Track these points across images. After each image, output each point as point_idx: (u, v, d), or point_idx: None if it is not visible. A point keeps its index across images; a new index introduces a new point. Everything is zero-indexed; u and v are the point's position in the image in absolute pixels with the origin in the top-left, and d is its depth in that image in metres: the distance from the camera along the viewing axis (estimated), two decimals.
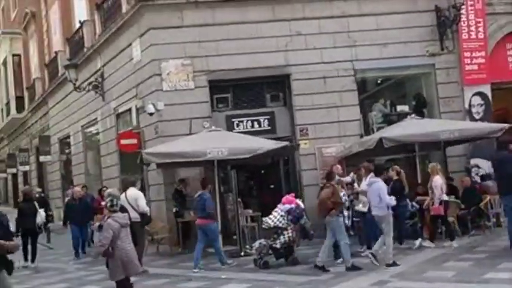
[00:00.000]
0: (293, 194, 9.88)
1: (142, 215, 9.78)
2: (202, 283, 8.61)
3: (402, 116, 12.85)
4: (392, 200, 8.64)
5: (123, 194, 9.92)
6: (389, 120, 13.30)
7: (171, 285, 8.65)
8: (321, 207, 8.47)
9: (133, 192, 10.04)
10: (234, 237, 10.93)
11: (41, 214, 9.22)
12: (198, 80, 13.10)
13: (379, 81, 14.64)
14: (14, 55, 28.12)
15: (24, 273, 10.65)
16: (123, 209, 7.77)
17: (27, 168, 27.21)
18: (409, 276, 7.79)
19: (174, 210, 12.44)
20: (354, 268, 8.31)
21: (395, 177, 10.19)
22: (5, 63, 29.18)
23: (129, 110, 15.25)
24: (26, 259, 11.58)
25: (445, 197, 9.86)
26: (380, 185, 8.74)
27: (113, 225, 6.81)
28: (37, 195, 16.32)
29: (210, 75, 13.13)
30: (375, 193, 8.70)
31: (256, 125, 13.17)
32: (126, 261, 6.85)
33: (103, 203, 8.16)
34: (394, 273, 7.97)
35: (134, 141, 14.06)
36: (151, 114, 12.99)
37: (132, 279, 9.16)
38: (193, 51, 13.10)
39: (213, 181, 11.45)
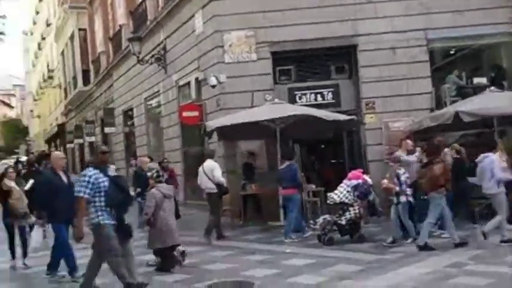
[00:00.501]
0: (360, 170, 9.49)
1: (219, 185, 10.05)
2: (266, 256, 8.47)
3: (479, 89, 11.94)
4: (507, 175, 8.15)
5: (201, 166, 10.48)
6: (464, 93, 12.38)
7: (235, 258, 8.56)
8: (431, 183, 7.97)
9: (210, 163, 10.36)
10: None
11: None
12: (260, 52, 12.84)
13: (452, 52, 13.77)
14: (80, 29, 28.71)
15: None
16: (168, 183, 8.43)
17: (93, 139, 27.98)
18: (488, 260, 7.28)
19: (242, 182, 12.34)
20: (426, 248, 7.88)
21: (455, 156, 9.58)
22: (72, 37, 29.89)
23: (189, 82, 15.26)
24: None
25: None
26: (492, 159, 8.28)
27: (156, 194, 7.26)
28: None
29: (273, 47, 12.84)
30: (487, 168, 8.22)
31: (319, 98, 12.80)
32: (165, 232, 7.30)
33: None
34: (471, 255, 7.49)
35: (196, 113, 14.06)
36: (213, 86, 12.87)
37: (196, 248, 9.27)
38: (256, 22, 12.82)
39: (275, 154, 11.28)
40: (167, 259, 7.62)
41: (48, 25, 43.47)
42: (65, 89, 34.85)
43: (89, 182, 6.07)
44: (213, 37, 13.09)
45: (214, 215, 10.17)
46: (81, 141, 30.60)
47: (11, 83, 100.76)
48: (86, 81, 28.03)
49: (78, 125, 31.80)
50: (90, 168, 6.24)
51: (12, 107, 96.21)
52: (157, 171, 8.17)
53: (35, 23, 54.32)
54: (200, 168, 10.50)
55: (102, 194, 6.08)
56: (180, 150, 16.10)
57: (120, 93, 22.25)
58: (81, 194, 6.04)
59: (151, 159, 15.47)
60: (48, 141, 49.56)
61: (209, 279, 6.96)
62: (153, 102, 18.84)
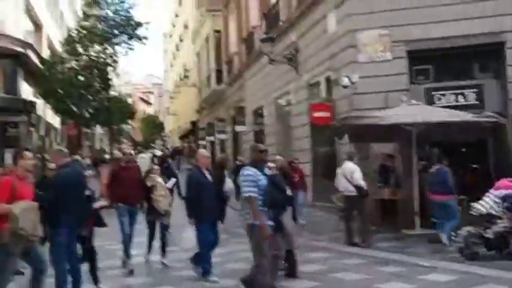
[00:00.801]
0: (511, 179, 8.64)
1: (359, 188, 9.91)
2: (401, 268, 7.96)
3: None
4: None
5: (339, 168, 10.47)
6: None
7: (366, 267, 8.17)
8: None
9: (349, 165, 10.24)
10: (433, 219, 10.08)
11: (228, 182, 9.60)
12: (396, 51, 12.38)
13: None
14: (215, 31, 29.86)
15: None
16: (296, 184, 8.84)
17: (223, 136, 29.00)
18: None
19: (378, 185, 11.96)
20: None
21: None
22: (207, 39, 31.20)
23: (318, 82, 15.16)
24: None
25: None
26: None
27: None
28: (238, 163, 17.21)
29: (409, 45, 12.31)
30: None
31: (461, 99, 12.04)
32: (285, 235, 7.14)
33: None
34: None
35: (327, 114, 13.90)
36: (345, 87, 12.65)
37: (324, 255, 9.13)
38: (392, 20, 12.38)
39: (410, 158, 10.80)
40: (290, 263, 7.55)
41: (185, 27, 45.87)
42: (199, 88, 36.51)
43: (252, 180, 6.01)
44: (346, 36, 12.88)
45: (361, 216, 9.99)
46: (212, 138, 31.85)
47: (151, 81, 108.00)
48: (219, 80, 29.08)
49: (210, 122, 33.12)
50: (248, 167, 6.18)
51: (151, 104, 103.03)
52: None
53: (174, 26, 57.60)
54: (338, 170, 10.45)
55: (261, 193, 6.03)
56: (309, 151, 16.07)
57: (251, 93, 22.78)
58: (252, 194, 5.97)
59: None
60: (182, 138, 52.35)
61: None
62: (283, 101, 19.02)
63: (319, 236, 11.20)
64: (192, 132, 43.74)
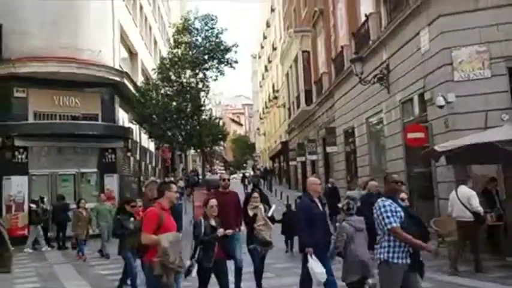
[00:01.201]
0: None
1: (476, 214, 9.58)
2: None
3: None
4: None
5: (453, 192, 10.15)
6: None
7: None
8: None
9: (465, 190, 9.93)
10: None
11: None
12: (495, 68, 11.61)
13: None
14: (303, 52, 29.84)
15: None
16: (359, 213, 7.76)
17: (314, 157, 28.70)
18: None
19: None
20: None
21: None
22: (296, 59, 31.24)
23: (411, 99, 14.56)
24: None
25: None
26: None
27: (347, 228, 6.96)
28: (329, 186, 16.89)
29: (510, 62, 11.50)
30: None
31: None
32: (357, 265, 6.88)
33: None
34: None
35: (422, 135, 13.27)
36: (441, 106, 12.01)
37: (428, 285, 8.58)
38: (490, 36, 11.65)
39: None
40: None
41: (274, 49, 46.32)
42: (289, 109, 36.54)
43: (392, 210, 5.68)
44: (441, 54, 12.25)
45: (474, 244, 9.58)
46: (303, 159, 31.64)
47: (241, 102, 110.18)
48: (309, 100, 28.93)
49: (300, 143, 32.98)
50: (383, 198, 5.86)
51: (241, 125, 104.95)
52: (347, 203, 7.51)
53: (262, 47, 58.40)
54: (452, 195, 10.13)
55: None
56: (404, 172, 15.40)
57: (342, 113, 22.37)
58: (394, 224, 5.59)
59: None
60: (273, 158, 52.56)
61: None
62: (376, 122, 18.48)
63: None
64: (282, 153, 43.81)
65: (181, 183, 31.06)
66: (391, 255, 5.59)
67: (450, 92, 11.88)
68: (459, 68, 11.87)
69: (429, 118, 13.21)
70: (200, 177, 33.85)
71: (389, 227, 5.60)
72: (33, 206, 16.54)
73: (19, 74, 18.30)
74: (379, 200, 5.86)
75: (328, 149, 24.12)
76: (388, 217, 5.62)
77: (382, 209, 5.72)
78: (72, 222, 14.79)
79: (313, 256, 7.06)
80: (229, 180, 8.97)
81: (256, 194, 8.75)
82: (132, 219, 9.22)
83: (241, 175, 48.35)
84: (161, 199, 5.99)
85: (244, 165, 74.98)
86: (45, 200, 17.23)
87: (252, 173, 54.96)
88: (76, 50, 19.14)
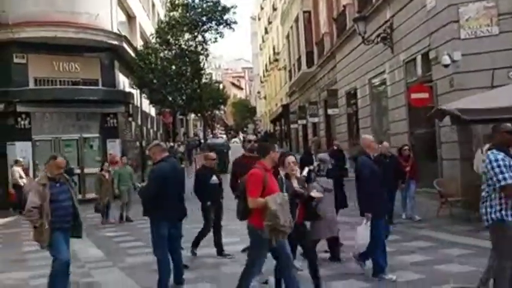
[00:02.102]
0: None
1: None
2: None
3: None
4: None
5: (478, 151, 9.92)
6: None
7: (473, 258, 7.55)
8: None
9: None
10: None
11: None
12: (503, 24, 11.45)
13: None
14: (304, 12, 29.38)
15: None
16: (328, 174, 7.79)
17: (316, 120, 28.64)
18: None
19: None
20: None
21: None
22: (296, 20, 30.83)
23: (415, 59, 14.41)
24: None
25: None
26: None
27: (317, 188, 7.07)
28: (334, 148, 16.93)
29: None
30: None
31: None
32: (324, 223, 7.17)
33: None
34: None
35: (426, 95, 13.18)
36: (446, 65, 11.88)
37: (426, 244, 8.66)
38: None
39: None
40: (333, 250, 7.85)
41: (274, 9, 45.66)
42: (290, 71, 36.27)
43: (505, 165, 5.01)
44: (447, 11, 12.04)
45: None
46: (304, 121, 31.57)
47: (240, 66, 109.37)
48: (310, 62, 28.65)
49: (301, 105, 32.85)
50: (494, 150, 5.17)
51: (242, 89, 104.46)
52: (318, 165, 7.79)
53: (262, 8, 57.57)
54: (478, 153, 9.93)
55: None
56: (407, 133, 15.37)
57: (344, 74, 22.19)
58: (510, 181, 4.93)
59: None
60: (274, 121, 52.50)
61: (445, 282, 6.43)
62: (378, 83, 18.34)
63: (421, 224, 10.72)
64: (283, 116, 43.72)
65: (182, 148, 31.10)
66: (504, 212, 5.06)
67: (456, 50, 11.75)
68: (466, 25, 11.69)
69: (434, 78, 13.09)
70: (202, 141, 33.88)
71: (503, 183, 4.97)
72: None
73: (17, 39, 18.08)
74: (489, 152, 5.21)
75: (330, 111, 24.02)
76: (501, 172, 4.98)
77: (495, 163, 5.05)
78: (94, 185, 14.65)
79: (368, 223, 6.64)
80: (255, 142, 7.96)
81: (292, 158, 6.84)
82: (214, 177, 8.77)
83: (241, 139, 48.50)
84: (264, 159, 5.58)
85: (245, 129, 74.93)
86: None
87: (254, 137, 55.03)
88: (73, 13, 18.84)
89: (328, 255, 7.97)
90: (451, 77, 12.02)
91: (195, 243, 8.82)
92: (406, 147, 11.89)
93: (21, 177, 16.70)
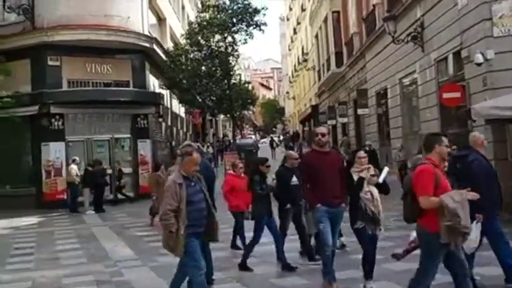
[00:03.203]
0: None
1: None
2: None
3: None
4: None
5: None
6: None
7: None
8: None
9: None
10: None
11: None
12: None
13: None
14: (333, 12, 29.20)
15: None
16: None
17: (345, 120, 28.44)
18: None
19: None
20: None
21: None
22: (325, 20, 30.65)
23: (446, 58, 14.18)
24: None
25: None
26: None
27: None
28: (367, 149, 16.85)
29: None
30: None
31: None
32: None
33: None
34: None
35: (458, 94, 12.95)
36: (479, 64, 11.64)
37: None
38: None
39: None
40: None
41: (303, 10, 45.52)
42: (318, 71, 36.10)
43: None
44: (479, 9, 11.78)
45: None
46: (333, 122, 31.39)
47: (269, 66, 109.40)
48: (339, 62, 28.46)
49: (331, 106, 32.67)
50: None
51: (270, 89, 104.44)
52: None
53: (290, 9, 57.47)
54: None
55: None
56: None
57: (373, 74, 21.99)
58: None
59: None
60: (303, 122, 52.31)
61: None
62: (408, 82, 18.12)
63: None
64: (312, 116, 43.53)
65: (210, 150, 31.25)
66: None
67: (489, 48, 11.46)
68: (499, 23, 11.41)
69: (466, 77, 12.84)
70: (231, 141, 34.02)
71: None
72: (90, 168, 16.91)
73: (52, 42, 18.47)
74: None
75: (360, 111, 23.82)
76: None
77: None
78: (150, 186, 14.70)
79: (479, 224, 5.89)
80: (326, 135, 6.76)
81: (362, 153, 6.54)
82: (295, 177, 8.02)
83: (269, 139, 48.87)
84: (431, 154, 4.96)
85: (274, 129, 74.90)
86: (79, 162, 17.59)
87: (281, 137, 55.06)
88: (106, 16, 19.15)
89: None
90: (483, 75, 11.77)
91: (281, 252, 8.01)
92: (455, 147, 11.27)
93: (77, 175, 16.98)
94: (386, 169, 6.66)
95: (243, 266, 7.86)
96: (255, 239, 7.88)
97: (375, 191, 6.32)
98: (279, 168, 8.46)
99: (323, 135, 6.63)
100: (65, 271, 8.66)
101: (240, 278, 7.45)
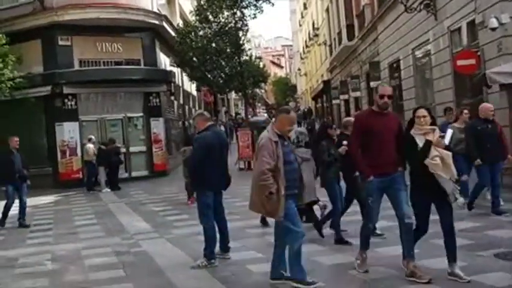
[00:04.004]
0: None
1: None
2: None
3: None
4: None
5: None
6: None
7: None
8: None
9: None
10: None
11: None
12: None
13: None
14: None
15: None
16: (307, 145, 7.88)
17: (358, 94, 28.22)
18: None
19: None
20: None
21: None
22: None
23: (459, 28, 13.93)
24: None
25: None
26: None
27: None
28: None
29: None
30: None
31: None
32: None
33: None
34: None
35: (472, 61, 12.73)
36: (493, 29, 11.44)
37: (477, 211, 8.44)
38: None
39: None
40: (308, 215, 8.05)
41: None
42: (330, 46, 35.77)
43: None
44: None
45: None
46: (346, 97, 31.21)
47: (280, 44, 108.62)
48: (351, 36, 28.15)
49: (343, 80, 32.43)
50: None
51: (282, 67, 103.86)
52: (297, 137, 7.87)
53: None
54: None
55: None
56: (453, 103, 14.96)
57: (386, 46, 21.72)
58: None
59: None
60: (315, 98, 52.06)
61: (496, 247, 6.29)
62: (421, 52, 17.87)
63: None
64: (324, 92, 43.29)
65: (222, 128, 31.28)
66: None
67: (504, 12, 11.28)
68: None
69: (480, 43, 12.65)
70: (243, 118, 34.05)
71: None
72: (103, 147, 17.02)
73: (62, 22, 18.48)
74: None
75: (373, 84, 23.54)
76: None
77: None
78: (184, 163, 14.52)
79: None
80: (392, 97, 6.00)
81: (423, 111, 5.58)
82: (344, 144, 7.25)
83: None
84: None
85: (286, 107, 74.60)
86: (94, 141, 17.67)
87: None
88: None
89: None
90: (498, 40, 11.58)
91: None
92: (466, 111, 10.27)
93: (94, 154, 17.10)
94: (450, 131, 6.16)
95: (340, 240, 7.31)
96: (337, 208, 7.49)
97: (446, 154, 5.37)
98: (339, 136, 7.80)
99: (389, 97, 5.86)
100: (83, 244, 8.79)
101: (256, 247, 7.50)
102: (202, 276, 6.20)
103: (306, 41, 54.83)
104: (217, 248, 6.78)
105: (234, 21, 24.43)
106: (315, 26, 45.64)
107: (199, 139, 6.76)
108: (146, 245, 8.34)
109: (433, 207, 5.51)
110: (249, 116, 33.82)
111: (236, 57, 24.89)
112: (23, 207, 10.82)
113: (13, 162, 10.63)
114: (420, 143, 5.39)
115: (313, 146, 8.00)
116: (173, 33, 23.16)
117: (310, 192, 7.70)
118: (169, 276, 6.28)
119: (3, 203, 10.93)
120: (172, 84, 22.70)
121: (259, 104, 76.06)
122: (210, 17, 24.07)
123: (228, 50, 24.21)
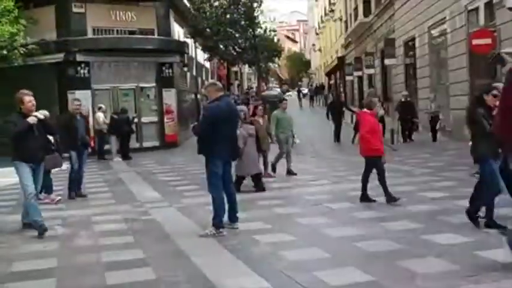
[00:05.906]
0: None
1: None
2: None
3: None
4: None
5: None
6: None
7: None
8: None
9: None
10: None
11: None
12: None
13: None
14: None
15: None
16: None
17: (372, 71, 28.04)
18: None
19: None
20: None
21: None
22: None
23: (477, 8, 13.72)
24: None
25: None
26: None
27: (243, 133, 8.92)
28: (402, 99, 16.73)
29: None
30: None
31: None
32: (247, 163, 9.23)
33: None
34: None
35: (488, 41, 12.61)
36: (510, 8, 11.27)
37: None
38: None
39: None
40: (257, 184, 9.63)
41: None
42: (345, 22, 35.40)
43: None
44: None
45: None
46: (360, 73, 30.98)
47: (295, 19, 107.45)
48: (367, 12, 27.84)
49: (357, 57, 32.17)
50: None
51: (296, 42, 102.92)
52: (244, 114, 9.44)
53: None
54: None
55: None
56: (467, 82, 14.84)
57: (402, 23, 21.48)
58: None
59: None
60: (328, 74, 51.70)
61: None
62: (438, 31, 17.66)
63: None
64: (339, 68, 42.97)
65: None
66: None
67: None
68: None
69: (497, 23, 12.50)
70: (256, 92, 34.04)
71: None
72: (116, 116, 17.05)
73: None
74: None
75: (387, 61, 23.37)
76: None
77: None
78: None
79: None
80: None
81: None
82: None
83: (295, 92, 50.01)
84: None
85: (300, 83, 74.27)
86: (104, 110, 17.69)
87: (306, 90, 54.86)
88: None
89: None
90: None
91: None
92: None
93: (104, 122, 17.08)
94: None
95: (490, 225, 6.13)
96: (494, 186, 6.10)
97: None
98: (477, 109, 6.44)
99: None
100: (94, 210, 8.90)
101: (263, 217, 7.57)
102: (210, 244, 6.28)
103: (321, 17, 54.22)
104: (225, 218, 6.85)
105: None
106: (331, 1, 45.09)
107: (209, 108, 6.77)
108: (156, 213, 8.43)
109: None
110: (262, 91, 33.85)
111: (250, 30, 24.74)
112: (81, 175, 10.47)
113: (76, 128, 10.15)
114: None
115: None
116: (188, 4, 23.01)
117: (255, 164, 9.52)
118: (178, 244, 6.36)
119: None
120: (185, 55, 22.64)
121: (273, 79, 75.70)
122: None
123: (242, 22, 24.04)
